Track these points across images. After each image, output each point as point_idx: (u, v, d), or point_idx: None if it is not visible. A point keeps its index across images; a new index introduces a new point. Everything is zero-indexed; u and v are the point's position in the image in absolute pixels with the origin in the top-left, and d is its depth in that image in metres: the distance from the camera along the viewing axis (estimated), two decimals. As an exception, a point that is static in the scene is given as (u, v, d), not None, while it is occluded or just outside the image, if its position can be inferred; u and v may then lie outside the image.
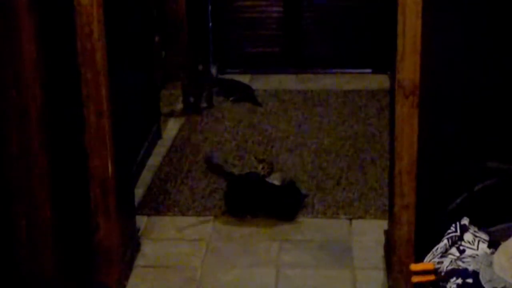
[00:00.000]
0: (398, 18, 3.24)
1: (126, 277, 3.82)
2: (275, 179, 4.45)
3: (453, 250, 2.79)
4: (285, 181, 4.46)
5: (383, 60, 3.96)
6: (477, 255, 2.74)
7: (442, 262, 2.76)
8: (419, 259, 3.01)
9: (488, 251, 2.75)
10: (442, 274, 2.73)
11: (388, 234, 3.77)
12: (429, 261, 2.82)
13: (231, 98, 5.98)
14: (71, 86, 3.45)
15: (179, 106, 5.92)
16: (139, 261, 3.98)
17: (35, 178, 3.38)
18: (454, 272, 2.68)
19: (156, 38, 5.75)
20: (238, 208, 4.38)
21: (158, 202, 4.52)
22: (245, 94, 6.02)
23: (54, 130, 3.42)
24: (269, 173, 4.52)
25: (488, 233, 2.84)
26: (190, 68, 6.01)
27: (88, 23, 3.35)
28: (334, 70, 6.55)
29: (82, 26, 3.35)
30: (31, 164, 3.35)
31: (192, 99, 5.82)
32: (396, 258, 3.50)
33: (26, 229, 3.43)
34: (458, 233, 2.82)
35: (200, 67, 5.97)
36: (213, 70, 6.25)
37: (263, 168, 4.53)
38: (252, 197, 4.39)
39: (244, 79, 6.37)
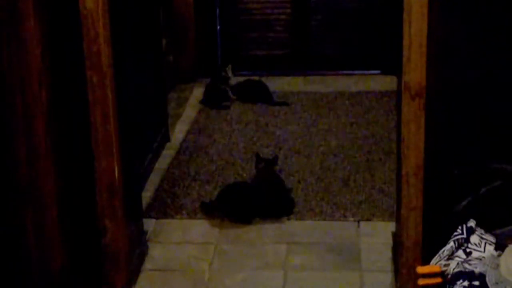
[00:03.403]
0: (404, 19, 3.24)
1: (134, 281, 3.83)
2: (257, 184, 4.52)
3: (460, 252, 2.78)
4: (266, 183, 4.49)
5: (392, 61, 3.96)
6: (483, 257, 2.73)
7: (448, 265, 2.76)
8: (427, 261, 3.00)
9: (495, 253, 2.74)
10: (449, 276, 2.73)
11: (396, 236, 3.76)
12: (436, 264, 2.81)
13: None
14: (78, 90, 3.45)
15: (188, 108, 5.94)
16: (147, 264, 3.99)
17: (42, 180, 3.39)
18: (461, 275, 2.67)
19: (164, 42, 5.75)
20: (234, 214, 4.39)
21: (166, 205, 4.52)
22: (260, 95, 6.05)
23: (61, 133, 3.43)
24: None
25: (495, 235, 2.84)
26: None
27: (94, 26, 3.35)
28: (342, 72, 6.54)
29: (88, 30, 3.36)
30: (38, 167, 3.36)
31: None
32: (403, 260, 3.48)
33: (34, 230, 3.45)
34: (465, 235, 2.82)
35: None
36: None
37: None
38: (242, 204, 4.40)
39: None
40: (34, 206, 3.43)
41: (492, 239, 2.80)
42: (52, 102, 3.34)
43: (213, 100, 5.97)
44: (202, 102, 6.01)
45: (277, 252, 4.08)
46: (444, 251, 2.82)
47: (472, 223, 2.85)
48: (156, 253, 4.08)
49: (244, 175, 4.83)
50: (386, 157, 5.02)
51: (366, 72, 6.52)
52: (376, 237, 4.16)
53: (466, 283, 2.62)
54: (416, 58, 3.23)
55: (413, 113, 3.30)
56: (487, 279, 2.61)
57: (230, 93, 6.00)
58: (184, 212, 4.46)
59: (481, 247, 2.77)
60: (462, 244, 2.81)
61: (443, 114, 3.28)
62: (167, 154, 5.18)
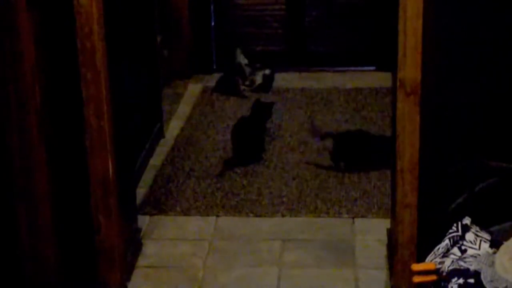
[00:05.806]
0: (399, 15, 3.23)
1: (128, 278, 3.82)
2: None
3: (455, 250, 2.77)
4: None
5: (387, 57, 3.95)
6: (478, 255, 2.71)
7: (443, 262, 2.74)
8: (422, 258, 2.99)
9: (490, 250, 2.73)
10: (444, 274, 2.71)
11: (391, 233, 3.76)
12: (431, 261, 2.80)
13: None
14: (72, 86, 3.44)
15: (182, 105, 5.92)
16: (141, 261, 3.97)
17: (35, 175, 3.38)
18: (456, 272, 2.66)
19: (159, 38, 5.73)
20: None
21: (160, 202, 4.51)
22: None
23: (55, 130, 3.42)
24: None
25: (490, 233, 2.82)
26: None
27: (88, 23, 3.34)
28: (337, 68, 6.51)
29: (82, 26, 3.34)
30: (31, 162, 3.35)
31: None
32: (398, 258, 3.48)
33: (27, 226, 3.44)
34: (460, 232, 2.80)
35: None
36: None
37: None
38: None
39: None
40: (27, 201, 3.42)
41: (487, 236, 2.79)
42: (45, 97, 3.33)
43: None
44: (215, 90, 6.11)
45: (271, 249, 4.07)
46: (439, 248, 2.81)
47: (467, 220, 2.84)
48: (150, 250, 4.07)
49: (239, 171, 4.82)
50: (381, 154, 5.00)
51: (361, 68, 6.50)
52: (371, 234, 4.15)
53: (461, 281, 2.61)
54: (411, 54, 3.22)
55: (408, 110, 3.29)
56: (482, 276, 2.60)
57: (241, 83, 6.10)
58: (178, 208, 4.44)
59: (476, 245, 2.76)
60: (457, 241, 2.79)
61: (438, 110, 3.27)
62: (162, 151, 5.16)
